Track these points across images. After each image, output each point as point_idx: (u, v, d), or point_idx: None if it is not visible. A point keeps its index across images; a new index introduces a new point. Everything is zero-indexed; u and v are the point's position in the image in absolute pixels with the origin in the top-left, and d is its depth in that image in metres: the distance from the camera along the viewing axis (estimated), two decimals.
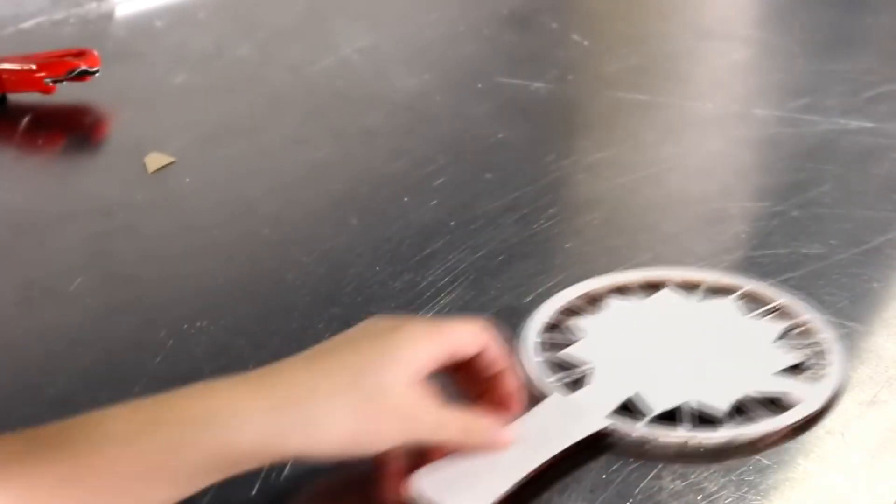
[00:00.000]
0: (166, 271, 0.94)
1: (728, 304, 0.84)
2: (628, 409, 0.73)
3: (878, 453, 0.70)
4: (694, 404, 0.73)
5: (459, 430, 0.67)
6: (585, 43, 1.42)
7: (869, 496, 0.67)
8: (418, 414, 0.65)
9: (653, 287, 0.86)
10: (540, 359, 0.79)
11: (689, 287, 0.86)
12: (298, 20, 1.56)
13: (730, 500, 0.66)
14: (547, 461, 0.69)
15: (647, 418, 0.73)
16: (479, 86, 1.28)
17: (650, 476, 0.68)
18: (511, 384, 0.71)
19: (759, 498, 0.66)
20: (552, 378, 0.76)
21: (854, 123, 1.13)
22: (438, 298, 0.86)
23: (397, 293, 0.87)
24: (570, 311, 0.84)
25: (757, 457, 0.69)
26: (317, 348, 0.67)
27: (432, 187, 1.04)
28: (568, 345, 0.80)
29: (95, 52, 1.27)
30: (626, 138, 1.14)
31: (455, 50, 1.42)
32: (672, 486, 0.67)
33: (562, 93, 1.27)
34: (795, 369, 0.77)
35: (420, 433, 0.66)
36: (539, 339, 0.81)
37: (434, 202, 1.01)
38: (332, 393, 0.63)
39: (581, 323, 0.83)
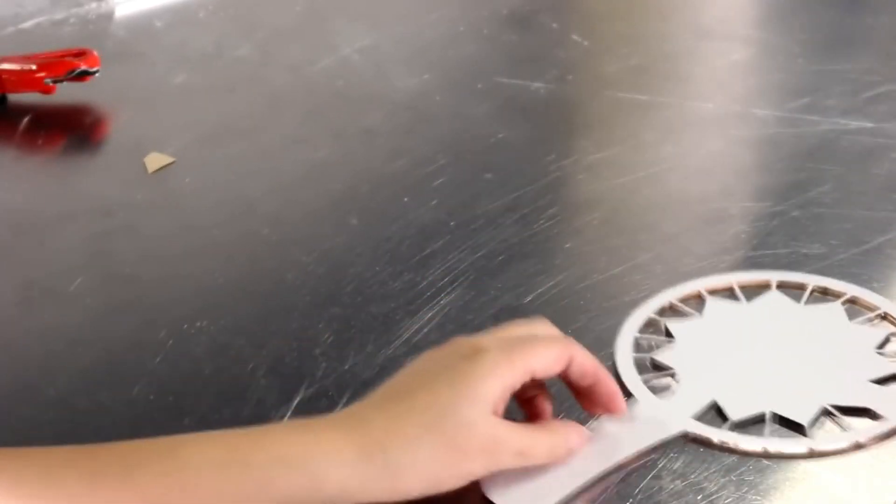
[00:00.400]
0: (166, 271, 0.94)
1: (833, 308, 0.83)
2: (714, 412, 0.73)
3: (878, 453, 0.70)
4: (776, 413, 0.72)
5: (545, 452, 0.67)
6: (585, 43, 1.42)
7: (869, 496, 0.67)
8: (501, 446, 0.64)
9: (758, 288, 0.86)
10: (632, 358, 0.79)
11: (795, 289, 0.86)
12: (298, 20, 1.56)
13: (730, 500, 0.66)
14: (617, 464, 0.69)
15: (727, 424, 0.72)
16: (479, 86, 1.28)
17: (650, 476, 0.68)
18: (606, 394, 0.70)
19: (759, 498, 0.66)
20: (639, 379, 0.76)
21: (854, 123, 1.13)
22: (438, 298, 0.86)
23: (397, 293, 0.87)
24: (672, 309, 0.84)
25: (757, 456, 0.69)
26: (397, 385, 0.66)
27: (432, 187, 1.04)
28: (663, 345, 0.80)
29: (95, 53, 1.27)
30: (626, 138, 1.14)
31: (455, 50, 1.42)
32: (672, 486, 0.67)
33: (562, 93, 1.27)
34: (892, 379, 0.76)
35: (504, 463, 0.65)
36: (636, 337, 0.81)
37: (434, 202, 1.01)
38: (412, 439, 0.62)
39: (679, 324, 0.82)
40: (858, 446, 0.70)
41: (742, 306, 0.84)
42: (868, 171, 1.04)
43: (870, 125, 1.12)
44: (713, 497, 0.66)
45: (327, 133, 1.19)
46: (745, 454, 0.70)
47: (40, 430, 0.74)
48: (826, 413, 0.73)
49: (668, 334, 0.81)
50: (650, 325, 0.83)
